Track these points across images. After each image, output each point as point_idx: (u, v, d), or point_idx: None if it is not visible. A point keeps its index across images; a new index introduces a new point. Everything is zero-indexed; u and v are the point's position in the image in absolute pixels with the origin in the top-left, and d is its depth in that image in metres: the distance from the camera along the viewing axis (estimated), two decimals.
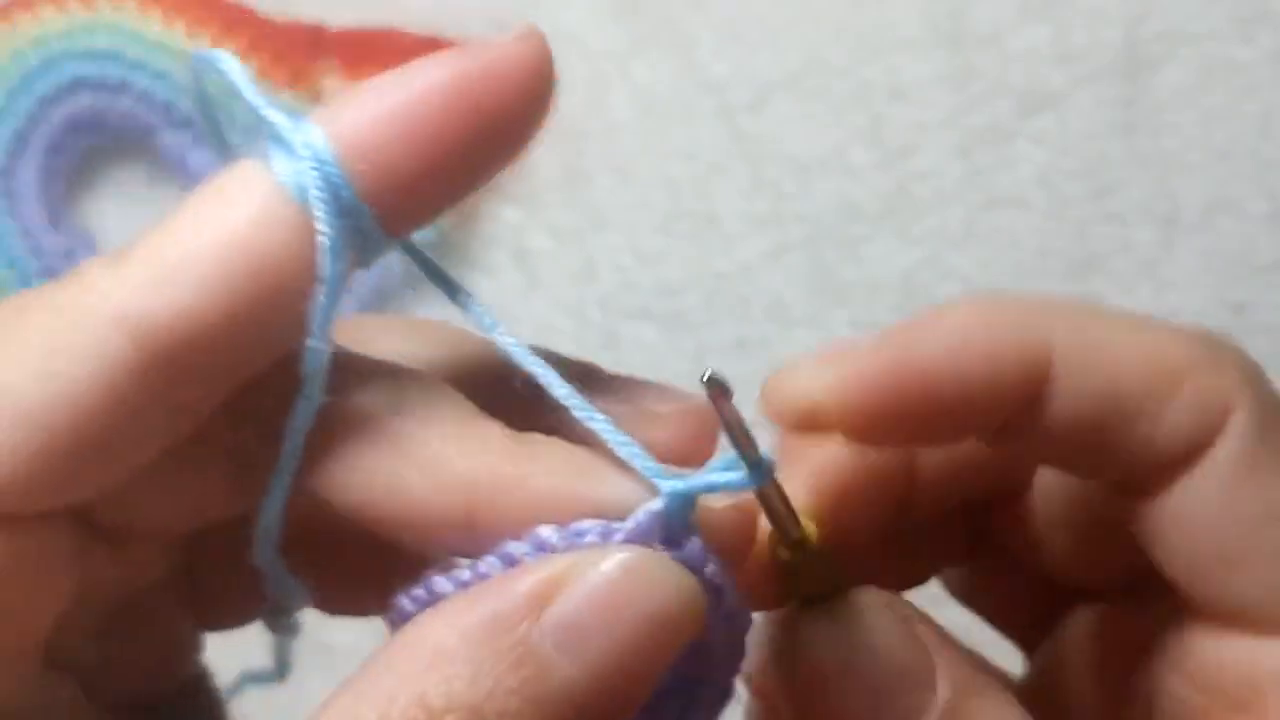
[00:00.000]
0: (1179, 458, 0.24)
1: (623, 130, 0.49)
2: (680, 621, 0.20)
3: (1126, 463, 0.24)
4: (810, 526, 0.24)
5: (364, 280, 0.47)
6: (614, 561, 0.20)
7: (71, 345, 0.21)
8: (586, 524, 0.22)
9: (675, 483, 0.22)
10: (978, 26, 0.50)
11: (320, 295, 0.21)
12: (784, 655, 0.24)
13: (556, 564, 0.21)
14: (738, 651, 0.23)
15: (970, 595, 0.30)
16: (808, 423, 0.24)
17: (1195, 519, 0.24)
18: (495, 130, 0.23)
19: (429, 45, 0.48)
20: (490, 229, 0.49)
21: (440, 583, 0.22)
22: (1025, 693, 0.28)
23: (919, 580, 0.29)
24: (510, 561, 0.22)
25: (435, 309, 0.50)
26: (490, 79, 0.23)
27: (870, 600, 0.24)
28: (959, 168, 0.48)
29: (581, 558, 0.21)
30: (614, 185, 0.49)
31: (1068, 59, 0.49)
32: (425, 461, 0.22)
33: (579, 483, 0.22)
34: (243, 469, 0.23)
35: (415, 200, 0.23)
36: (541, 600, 0.20)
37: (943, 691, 0.23)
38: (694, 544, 0.22)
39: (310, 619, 0.44)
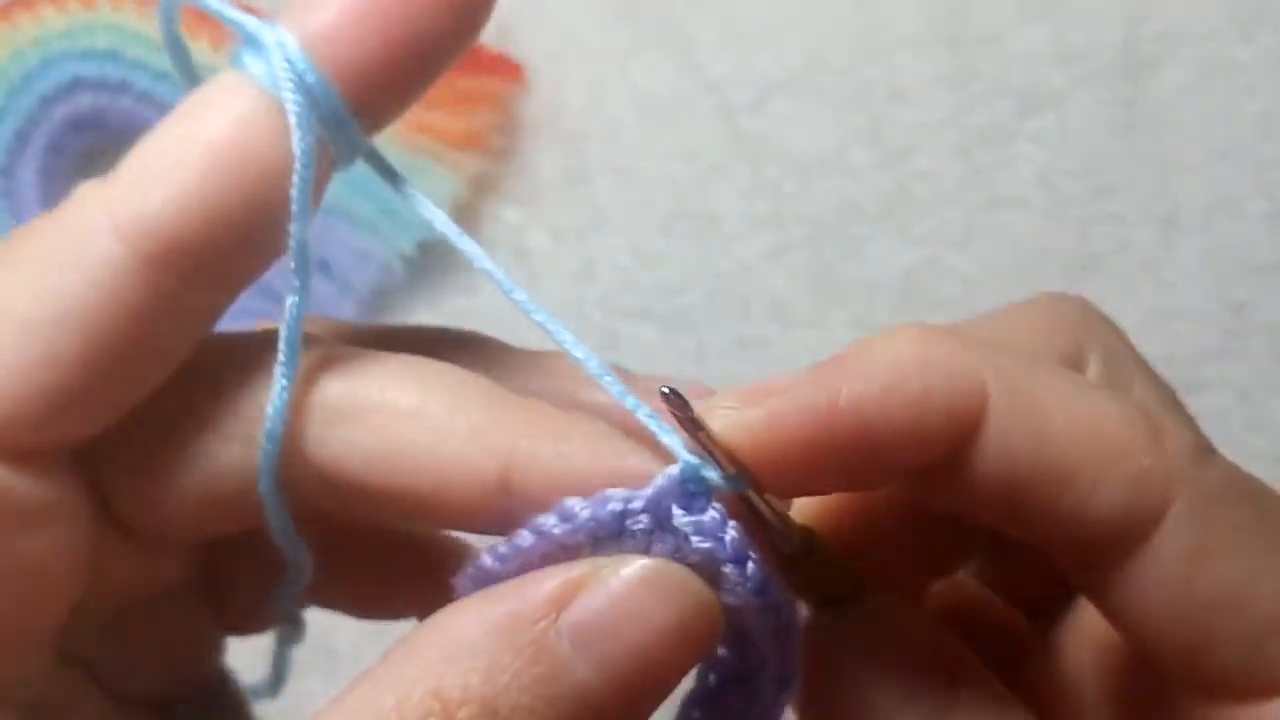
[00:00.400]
0: (1115, 539, 0.23)
1: (623, 130, 0.49)
2: (698, 631, 0.21)
3: (1057, 532, 0.23)
4: (807, 531, 0.24)
5: (364, 280, 0.47)
6: (635, 568, 0.21)
7: (70, 260, 0.21)
8: (610, 492, 0.22)
9: (695, 458, 0.23)
10: (978, 26, 0.50)
11: (295, 181, 0.22)
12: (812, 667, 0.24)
13: (579, 567, 0.21)
14: (785, 632, 0.23)
15: (987, 581, 0.30)
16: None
17: (1151, 606, 0.23)
18: (455, 17, 0.23)
19: None
20: (490, 229, 0.49)
21: (485, 559, 0.23)
22: (1034, 677, 0.28)
23: (947, 571, 0.28)
24: (539, 532, 0.22)
25: (436, 307, 0.50)
26: None
27: (885, 606, 0.24)
28: (959, 168, 0.48)
29: (605, 563, 0.21)
30: (614, 185, 0.49)
31: (1068, 59, 0.49)
32: (464, 432, 0.22)
33: (612, 453, 0.22)
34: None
35: (384, 95, 0.23)
36: (561, 601, 0.21)
37: (963, 698, 0.23)
38: (713, 509, 0.23)
39: (313, 623, 0.44)
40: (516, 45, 0.49)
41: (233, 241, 0.22)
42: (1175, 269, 0.48)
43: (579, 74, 0.50)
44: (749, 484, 0.23)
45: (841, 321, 0.47)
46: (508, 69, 0.49)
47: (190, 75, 0.25)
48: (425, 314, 0.48)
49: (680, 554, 0.23)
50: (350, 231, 0.47)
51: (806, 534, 0.24)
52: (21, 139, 0.47)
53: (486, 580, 0.23)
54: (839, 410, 0.22)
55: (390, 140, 0.47)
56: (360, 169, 0.49)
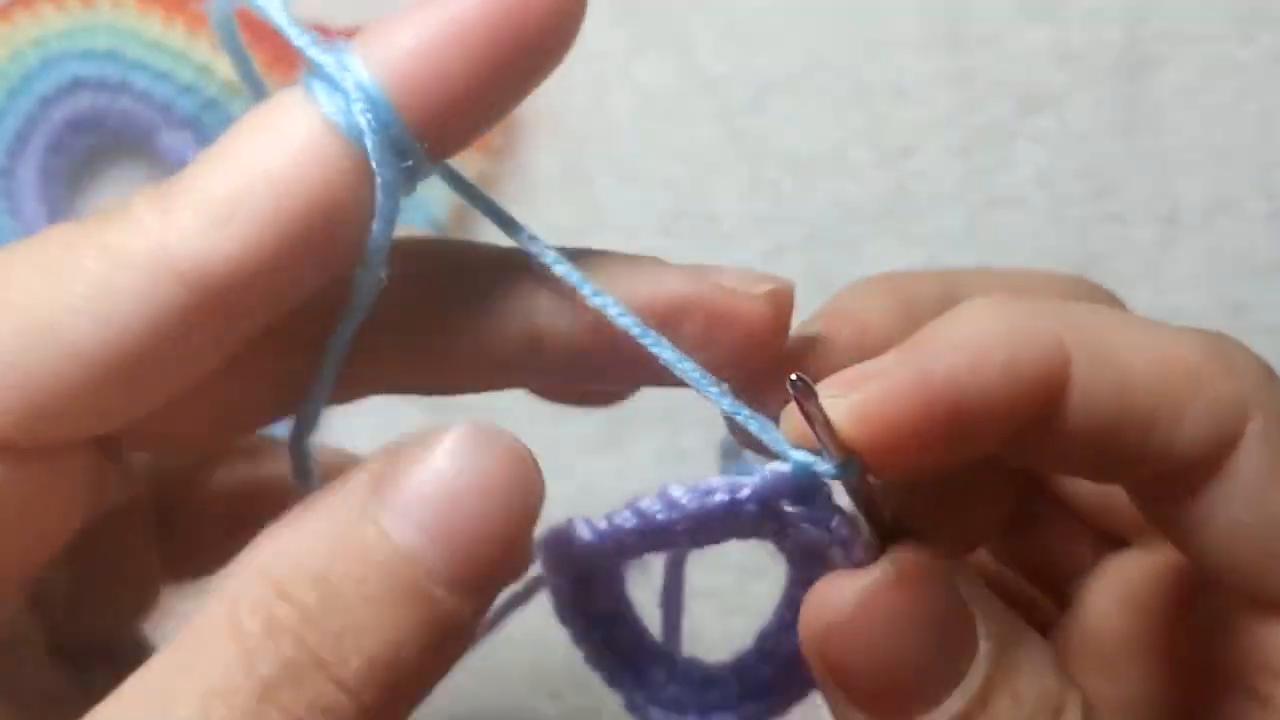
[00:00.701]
0: (1198, 464, 0.24)
1: (623, 130, 0.49)
2: (526, 481, 0.22)
3: (1144, 470, 0.24)
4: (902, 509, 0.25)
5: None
6: (448, 441, 0.21)
7: (123, 289, 0.21)
8: (714, 482, 0.24)
9: (802, 455, 0.24)
10: (978, 26, 0.50)
11: (375, 228, 0.22)
12: (825, 617, 0.24)
13: (391, 451, 0.22)
14: None
15: (1006, 554, 0.31)
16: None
17: (1225, 526, 0.24)
18: (530, 48, 0.24)
19: None
20: (490, 229, 0.49)
21: (579, 527, 0.25)
22: (1057, 646, 0.28)
23: (968, 549, 0.29)
24: (641, 514, 0.24)
25: None
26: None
27: (914, 557, 0.24)
28: (959, 168, 0.48)
29: (414, 440, 0.22)
30: (614, 185, 0.49)
31: (1068, 59, 0.49)
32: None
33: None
34: (285, 387, 0.24)
35: (458, 127, 0.24)
36: (383, 478, 0.21)
37: (984, 647, 0.23)
38: (825, 501, 0.24)
39: None
40: None
41: (289, 285, 0.22)
42: (1175, 269, 0.48)
43: (579, 74, 0.50)
44: (858, 470, 0.23)
45: None
46: None
47: (258, 87, 0.24)
48: None
49: (787, 537, 0.24)
50: None
51: (902, 512, 0.25)
52: (21, 139, 0.47)
53: (573, 548, 0.25)
54: (935, 387, 0.23)
55: None
56: None
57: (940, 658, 0.23)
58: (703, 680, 0.29)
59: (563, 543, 0.25)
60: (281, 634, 0.20)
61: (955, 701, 0.23)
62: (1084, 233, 0.48)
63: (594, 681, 0.44)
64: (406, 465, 0.21)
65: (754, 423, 0.24)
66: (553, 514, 0.47)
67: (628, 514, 0.24)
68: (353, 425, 0.47)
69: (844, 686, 0.24)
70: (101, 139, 0.49)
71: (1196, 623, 0.27)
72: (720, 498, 0.23)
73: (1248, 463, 0.24)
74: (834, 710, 0.24)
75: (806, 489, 0.24)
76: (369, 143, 0.22)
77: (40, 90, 0.47)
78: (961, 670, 0.23)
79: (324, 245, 0.22)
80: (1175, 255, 0.48)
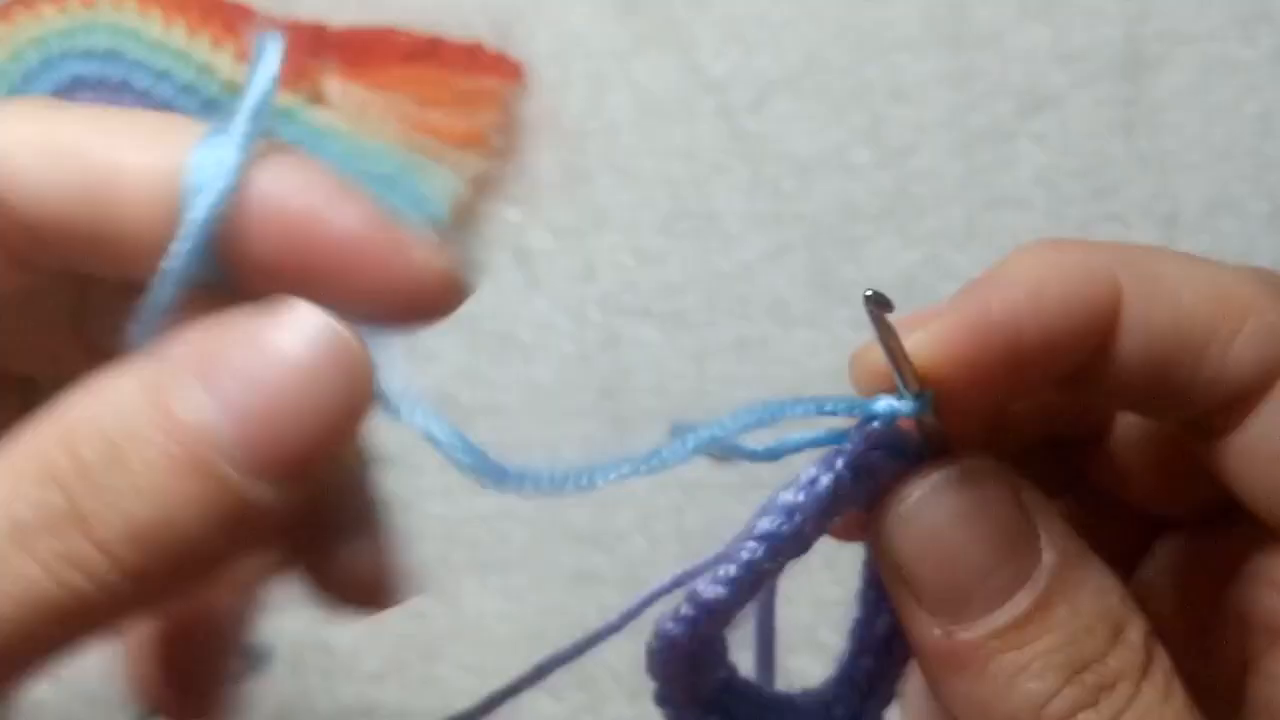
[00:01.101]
0: (1246, 391, 0.24)
1: (623, 130, 0.49)
2: (351, 375, 0.21)
3: (1196, 399, 0.25)
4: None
5: None
6: (275, 319, 0.21)
7: (176, 498, 0.20)
8: (809, 468, 0.24)
9: (883, 402, 0.24)
10: (978, 26, 0.50)
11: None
12: (894, 520, 0.25)
13: (215, 328, 0.21)
14: None
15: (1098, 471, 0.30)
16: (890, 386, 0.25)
17: (1269, 452, 0.24)
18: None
19: (430, 46, 0.49)
20: (491, 229, 0.49)
21: (703, 588, 0.25)
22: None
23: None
24: (767, 537, 0.24)
25: None
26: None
27: (978, 466, 0.24)
28: (959, 167, 0.48)
29: (236, 317, 0.21)
30: (614, 185, 0.49)
31: (1068, 59, 0.49)
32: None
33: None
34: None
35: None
36: (200, 372, 0.20)
37: (1047, 557, 0.24)
38: (911, 441, 0.24)
39: (310, 620, 0.44)
40: (516, 45, 0.49)
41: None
42: None
43: (579, 74, 0.50)
44: (931, 404, 0.24)
45: (842, 321, 0.47)
46: (508, 69, 0.49)
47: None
48: None
49: (873, 479, 0.25)
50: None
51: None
52: None
53: (690, 633, 0.25)
54: (994, 320, 0.24)
55: (390, 141, 0.48)
56: (357, 168, 0.49)
57: (1003, 562, 0.24)
58: (822, 706, 0.29)
59: (677, 634, 0.25)
60: (51, 482, 0.20)
61: (1016, 605, 0.23)
62: (1084, 232, 0.48)
63: (594, 680, 0.44)
64: (224, 340, 0.21)
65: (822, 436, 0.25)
66: (553, 513, 0.47)
67: (752, 544, 0.24)
68: None
69: (911, 586, 0.24)
70: None
71: (1240, 591, 0.27)
72: (826, 478, 0.24)
73: None
74: (902, 615, 0.25)
75: (894, 433, 0.24)
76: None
77: (40, 89, 0.47)
78: (1024, 576, 0.23)
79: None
80: None
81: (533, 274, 0.48)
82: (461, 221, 0.48)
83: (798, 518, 0.24)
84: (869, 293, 0.24)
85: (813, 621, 0.45)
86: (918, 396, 0.24)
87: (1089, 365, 0.25)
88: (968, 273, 0.49)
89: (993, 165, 0.49)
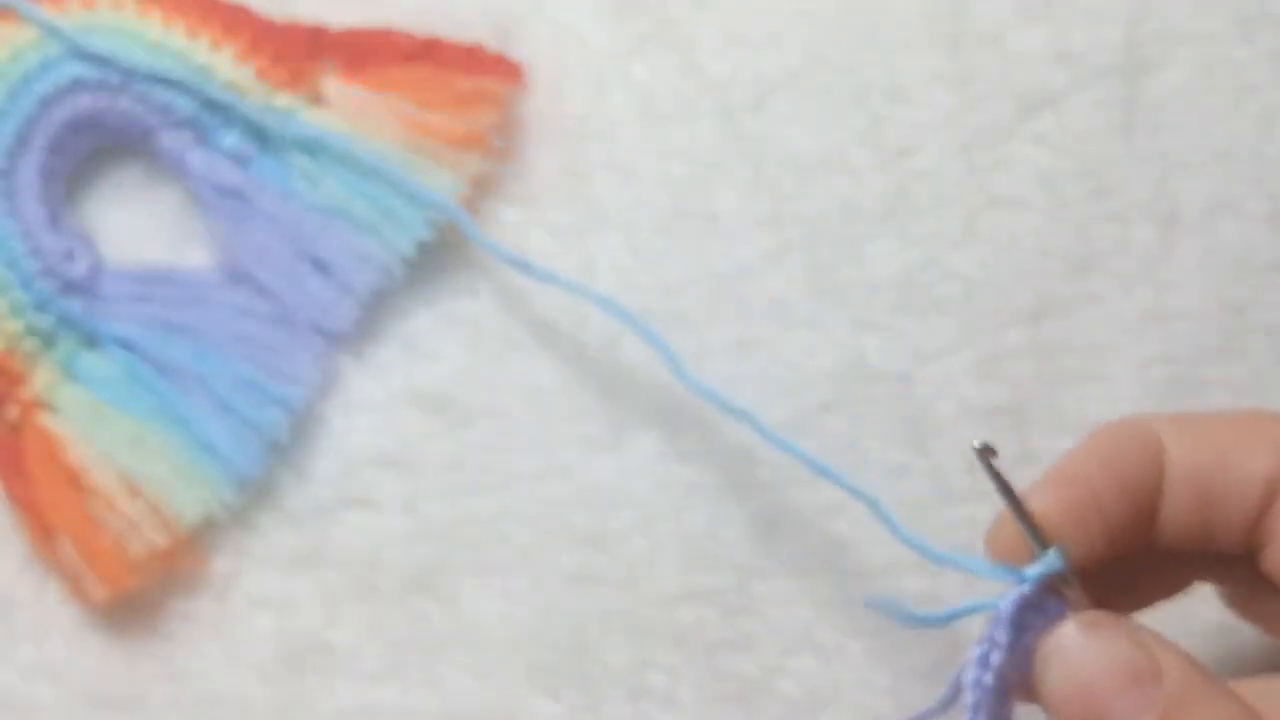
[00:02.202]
0: (1269, 486, 0.31)
1: (622, 130, 0.49)
2: None
3: (1233, 517, 0.31)
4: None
5: (364, 281, 0.47)
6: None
7: None
8: (976, 650, 0.31)
9: (1049, 558, 0.31)
10: (978, 27, 0.50)
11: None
12: (1040, 666, 0.31)
13: None
14: None
15: (1241, 605, 0.35)
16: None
17: None
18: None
19: (430, 46, 0.49)
20: (490, 229, 0.49)
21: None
22: None
23: (1177, 590, 0.35)
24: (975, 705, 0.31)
25: (436, 308, 0.50)
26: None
27: (1098, 614, 0.31)
28: (958, 167, 0.48)
29: None
30: (614, 185, 0.49)
31: (1067, 59, 0.50)
32: None
33: None
34: None
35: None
36: None
37: (1168, 685, 0.29)
38: (1057, 604, 0.31)
39: (311, 620, 0.45)
40: (516, 46, 0.49)
41: None
42: (1175, 269, 0.48)
43: (579, 74, 0.50)
44: (1066, 557, 0.31)
45: (841, 321, 0.47)
46: (508, 69, 0.48)
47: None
48: (425, 315, 0.48)
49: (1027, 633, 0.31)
50: (350, 233, 0.47)
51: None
52: (21, 140, 0.47)
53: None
54: (1079, 481, 0.32)
55: (390, 141, 0.48)
56: (357, 168, 0.49)
57: (1128, 689, 0.29)
58: None
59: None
60: None
61: (1142, 707, 0.29)
62: (1084, 232, 0.48)
63: (594, 680, 0.44)
64: None
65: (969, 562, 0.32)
66: (553, 514, 0.47)
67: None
68: (353, 424, 0.47)
69: (1063, 701, 0.30)
70: (101, 139, 0.49)
71: None
72: (995, 653, 0.30)
73: None
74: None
75: (1040, 596, 0.30)
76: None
77: (40, 91, 0.47)
78: (1148, 701, 0.29)
79: None
80: (1175, 255, 0.48)
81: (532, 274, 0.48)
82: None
83: (994, 663, 0.30)
84: (978, 444, 0.32)
85: (812, 621, 0.45)
86: (1046, 553, 0.31)
87: (1153, 509, 0.32)
88: (967, 272, 0.50)
89: (992, 165, 0.49)
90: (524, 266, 0.45)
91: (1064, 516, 0.31)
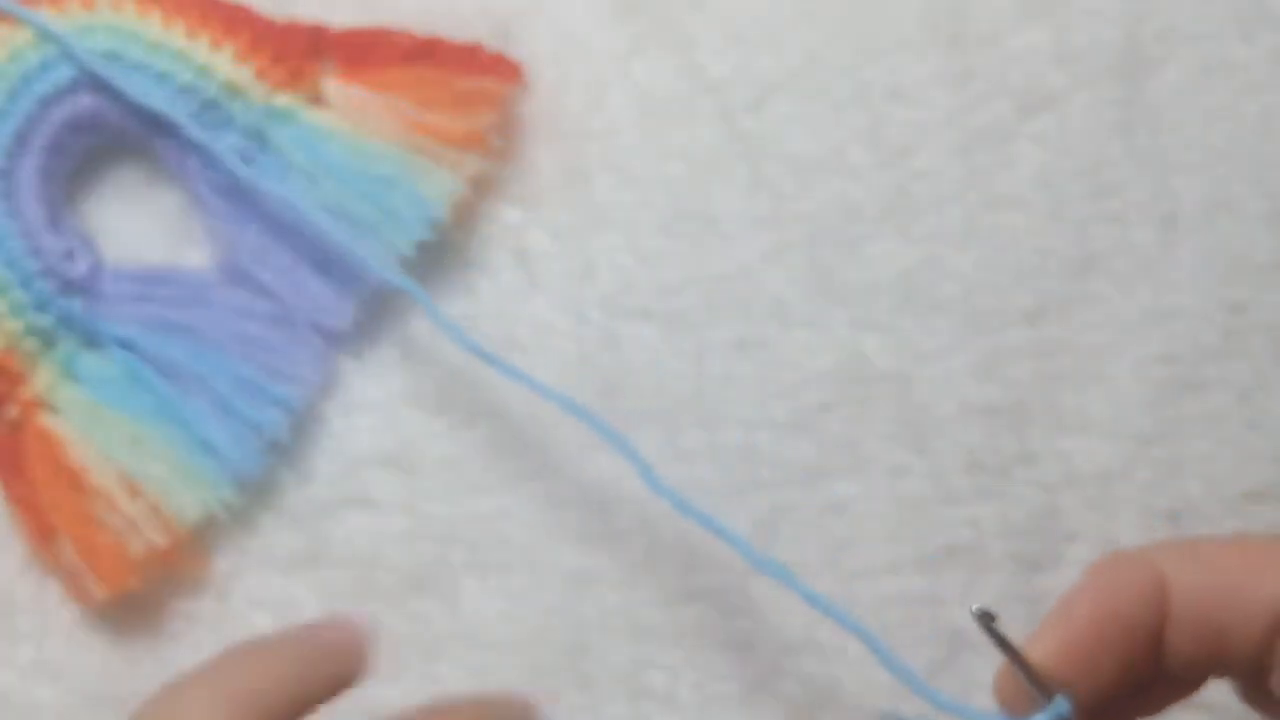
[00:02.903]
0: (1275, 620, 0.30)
1: (623, 130, 0.49)
2: None
3: (1248, 633, 0.31)
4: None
5: (364, 282, 0.47)
6: None
7: None
8: None
9: (1054, 707, 0.31)
10: (977, 27, 0.50)
11: None
12: None
13: None
14: None
15: (1254, 703, 0.35)
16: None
17: None
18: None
19: (430, 46, 0.49)
20: (490, 229, 0.49)
21: None
22: None
23: (1189, 693, 0.35)
24: None
25: (437, 307, 0.50)
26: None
27: None
28: (958, 167, 0.49)
29: None
30: (614, 185, 0.49)
31: (1067, 59, 0.50)
32: None
33: None
34: None
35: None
36: None
37: None
38: None
39: (313, 619, 0.44)
40: (516, 46, 0.49)
41: None
42: (1175, 268, 0.48)
43: (579, 74, 0.50)
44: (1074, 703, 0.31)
45: (841, 321, 0.47)
46: (507, 69, 0.48)
47: None
48: (424, 315, 0.48)
49: None
50: (351, 234, 0.47)
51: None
52: (21, 140, 0.47)
53: None
54: (1081, 622, 0.31)
55: (390, 141, 0.48)
56: (357, 168, 0.49)
57: None
58: None
59: None
60: None
61: None
62: (1083, 232, 0.48)
63: (594, 681, 0.44)
64: None
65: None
66: (553, 514, 0.47)
67: None
68: (353, 424, 0.48)
69: None
70: (101, 140, 0.49)
71: None
72: None
73: None
74: None
75: None
76: None
77: (40, 91, 0.47)
78: None
79: None
80: (1175, 255, 0.48)
81: (532, 274, 0.48)
82: (461, 222, 0.49)
83: None
84: (976, 610, 0.31)
85: (811, 622, 0.45)
86: (1053, 701, 0.31)
87: (1156, 639, 0.31)
88: (967, 272, 0.50)
89: (992, 165, 0.49)
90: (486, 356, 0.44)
91: (1065, 662, 0.32)
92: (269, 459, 0.45)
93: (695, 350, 0.47)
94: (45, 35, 0.47)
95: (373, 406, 0.47)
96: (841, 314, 0.47)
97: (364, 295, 0.47)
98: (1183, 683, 0.34)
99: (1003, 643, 0.32)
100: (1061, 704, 0.31)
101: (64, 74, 0.47)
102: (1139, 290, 0.48)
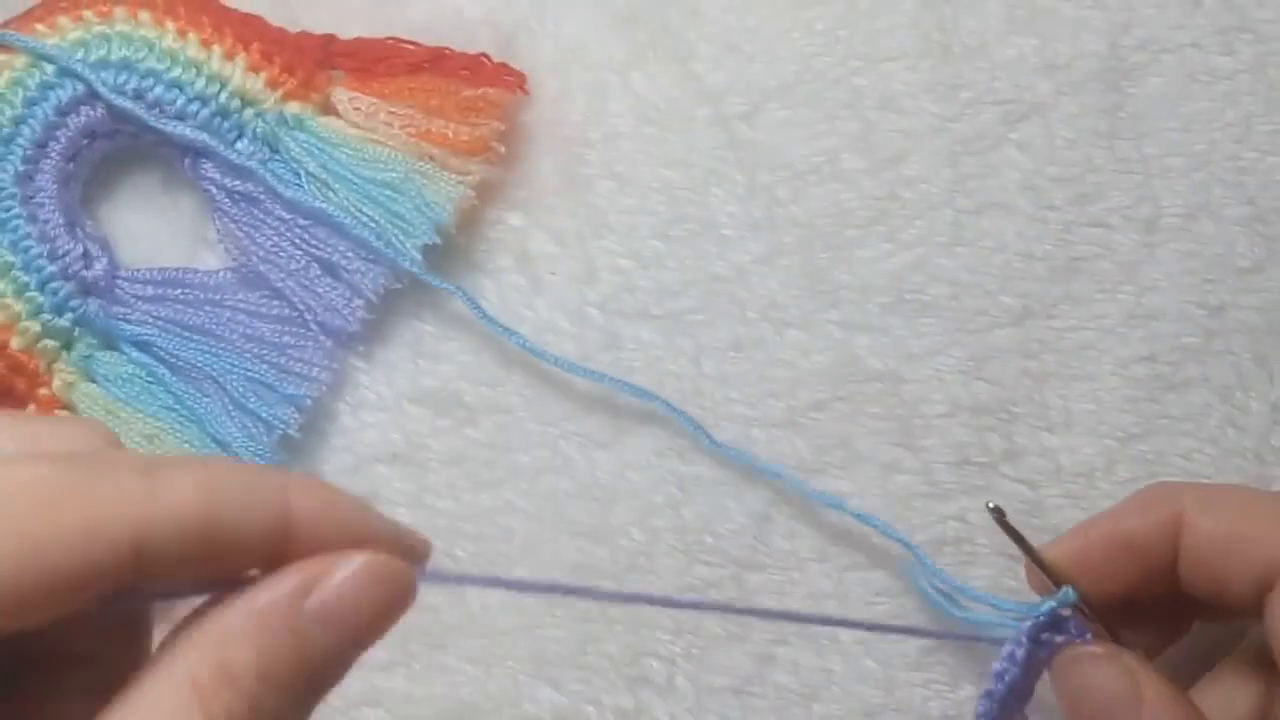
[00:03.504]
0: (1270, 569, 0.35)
1: (622, 138, 0.49)
2: (406, 597, 0.28)
3: (1242, 580, 0.35)
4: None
5: (371, 284, 0.47)
6: (359, 562, 0.28)
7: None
8: (999, 664, 0.37)
9: (1061, 595, 0.38)
10: (966, 37, 0.50)
11: None
12: (1054, 677, 0.38)
13: (316, 562, 0.27)
14: None
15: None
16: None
17: None
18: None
19: (436, 57, 0.49)
20: (494, 233, 0.49)
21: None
22: None
23: (1184, 628, 0.40)
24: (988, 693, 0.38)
25: (441, 310, 0.50)
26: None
27: (1101, 650, 0.37)
28: (947, 174, 0.49)
29: (335, 557, 0.28)
30: (614, 191, 0.49)
31: (1053, 68, 0.50)
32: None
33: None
34: None
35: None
36: (306, 589, 0.27)
37: (1147, 694, 0.35)
38: (1076, 623, 0.38)
39: None
40: (519, 56, 0.50)
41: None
42: (1156, 271, 0.48)
43: (580, 83, 0.50)
44: (1079, 596, 0.38)
45: (834, 322, 0.48)
46: (511, 79, 0.49)
47: None
48: (430, 317, 0.48)
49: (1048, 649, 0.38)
50: (358, 237, 0.47)
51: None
52: (39, 147, 0.47)
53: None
54: (1095, 534, 0.38)
55: (397, 148, 0.48)
56: (365, 175, 0.49)
57: (1114, 701, 0.36)
58: None
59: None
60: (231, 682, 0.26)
61: None
62: (1068, 236, 0.48)
63: (595, 670, 0.44)
64: (328, 581, 0.27)
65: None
66: (554, 509, 0.47)
67: (984, 703, 0.38)
68: (362, 422, 0.48)
69: (1072, 711, 0.37)
70: (117, 146, 0.49)
71: None
72: (1014, 670, 0.37)
73: None
74: None
75: (1059, 622, 0.38)
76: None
77: (57, 99, 0.47)
78: (1130, 713, 0.36)
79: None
80: (1156, 258, 0.48)
81: (534, 277, 0.48)
82: (466, 226, 0.48)
83: (1008, 678, 0.37)
84: (991, 506, 0.39)
85: (804, 610, 0.45)
86: (1060, 592, 0.38)
87: (1169, 564, 0.37)
88: (955, 275, 0.50)
89: (979, 172, 0.49)
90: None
91: (1074, 565, 0.38)
92: (280, 456, 0.46)
93: (693, 350, 0.47)
94: (43, 57, 0.47)
95: (381, 405, 0.47)
96: (834, 315, 0.48)
97: (372, 297, 0.47)
98: (1205, 609, 0.38)
99: (1013, 532, 0.38)
100: (1068, 593, 0.37)
101: (80, 83, 0.47)
102: (1122, 292, 0.48)
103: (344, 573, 0.27)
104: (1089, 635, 0.38)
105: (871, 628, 0.42)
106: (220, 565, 0.27)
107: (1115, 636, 0.38)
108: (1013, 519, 0.39)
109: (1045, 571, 0.38)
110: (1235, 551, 0.35)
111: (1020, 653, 0.37)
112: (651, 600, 0.39)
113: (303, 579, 0.27)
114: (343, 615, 0.27)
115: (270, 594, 0.27)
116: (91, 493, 0.25)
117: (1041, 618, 0.37)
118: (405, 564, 0.28)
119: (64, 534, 0.25)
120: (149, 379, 0.46)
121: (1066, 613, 0.38)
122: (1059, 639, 0.37)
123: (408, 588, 0.28)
